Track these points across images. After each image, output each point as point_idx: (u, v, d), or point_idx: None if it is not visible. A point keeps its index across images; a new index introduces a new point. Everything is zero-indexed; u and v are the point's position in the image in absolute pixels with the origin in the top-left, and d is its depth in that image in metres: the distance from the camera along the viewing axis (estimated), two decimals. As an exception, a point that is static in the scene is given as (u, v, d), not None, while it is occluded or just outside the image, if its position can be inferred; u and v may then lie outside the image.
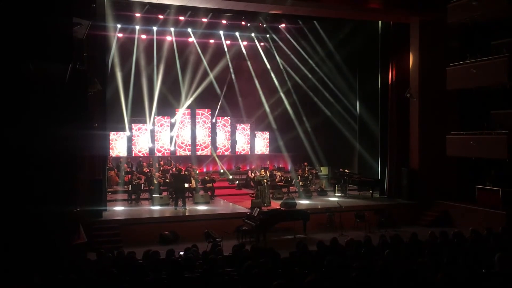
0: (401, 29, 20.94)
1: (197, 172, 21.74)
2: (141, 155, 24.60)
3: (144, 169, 21.53)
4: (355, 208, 18.65)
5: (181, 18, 23.40)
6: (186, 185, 19.12)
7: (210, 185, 20.57)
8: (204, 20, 23.88)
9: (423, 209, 19.51)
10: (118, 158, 23.24)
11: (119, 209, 18.11)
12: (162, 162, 22.86)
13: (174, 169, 21.57)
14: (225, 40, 25.90)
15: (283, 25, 25.48)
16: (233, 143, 27.09)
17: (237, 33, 25.68)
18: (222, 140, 26.88)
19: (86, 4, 15.07)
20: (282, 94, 26.23)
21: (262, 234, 15.64)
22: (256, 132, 27.53)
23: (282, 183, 21.67)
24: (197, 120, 26.34)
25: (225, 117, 26.80)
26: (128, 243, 14.00)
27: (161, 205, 18.50)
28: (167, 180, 19.98)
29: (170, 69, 24.89)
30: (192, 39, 25.20)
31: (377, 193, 21.53)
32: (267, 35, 26.31)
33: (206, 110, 26.53)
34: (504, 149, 16.76)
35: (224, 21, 24.47)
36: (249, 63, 26.39)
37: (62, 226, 10.28)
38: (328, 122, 25.69)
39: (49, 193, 9.56)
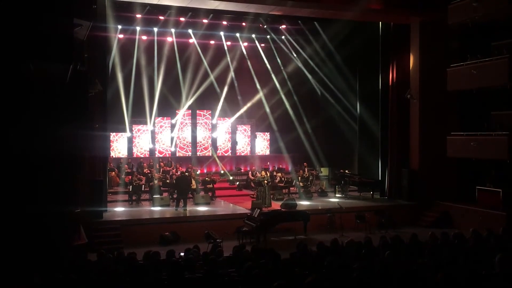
0: (402, 30, 20.95)
1: (198, 173, 21.76)
2: (142, 156, 24.61)
3: (145, 170, 21.54)
4: (355, 209, 18.66)
5: (182, 19, 23.41)
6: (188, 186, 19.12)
7: (211, 186, 20.58)
8: (205, 21, 23.89)
9: (423, 210, 19.51)
10: (118, 159, 23.26)
11: (119, 209, 18.11)
12: (162, 163, 22.88)
13: (174, 170, 21.59)
14: (226, 41, 25.90)
15: (283, 26, 25.50)
16: (234, 144, 27.09)
17: (237, 34, 25.69)
18: (223, 141, 26.87)
19: (87, 5, 15.08)
20: (282, 95, 26.23)
21: (262, 235, 15.65)
22: (256, 133, 27.54)
23: (282, 184, 21.68)
24: (197, 121, 26.35)
25: (226, 118, 26.80)
26: (128, 244, 14.00)
27: (161, 206, 18.50)
28: (168, 181, 19.98)
29: (171, 70, 24.89)
30: (192, 40, 25.21)
31: (378, 194, 21.52)
32: (268, 36, 26.30)
33: (206, 111, 26.55)
34: (505, 150, 16.76)
35: (224, 22, 24.48)
36: (249, 64, 26.40)
37: (62, 227, 10.28)
38: (328, 123, 25.70)
39: (50, 194, 9.56)
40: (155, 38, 24.49)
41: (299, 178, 22.22)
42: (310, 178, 22.84)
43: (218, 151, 26.49)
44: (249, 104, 26.39)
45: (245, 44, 26.43)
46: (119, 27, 23.08)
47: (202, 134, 26.45)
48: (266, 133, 27.63)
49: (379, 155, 22.07)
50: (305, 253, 8.85)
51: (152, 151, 25.24)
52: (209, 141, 26.54)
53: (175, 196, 18.92)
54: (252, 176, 21.85)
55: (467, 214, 18.12)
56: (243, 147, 27.31)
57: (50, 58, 9.17)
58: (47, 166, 9.47)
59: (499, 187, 17.59)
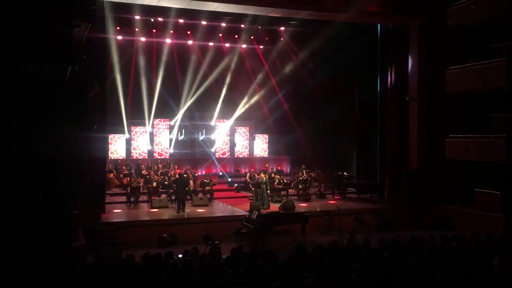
0: (400, 32, 20.97)
1: (196, 174, 21.76)
2: (140, 158, 24.59)
3: (143, 172, 21.52)
4: (354, 211, 18.63)
5: (180, 21, 23.44)
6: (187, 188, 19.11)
7: (209, 187, 20.57)
8: (204, 23, 23.91)
9: (422, 212, 19.47)
10: (117, 161, 23.24)
11: (118, 211, 18.09)
12: (161, 165, 22.86)
13: (172, 171, 21.58)
14: (224, 42, 25.92)
15: (282, 28, 25.53)
16: (232, 145, 27.09)
17: (236, 36, 25.70)
18: (221, 142, 26.88)
19: (86, 6, 15.01)
20: (281, 97, 26.24)
21: (261, 237, 15.63)
22: (255, 134, 27.54)
23: (281, 186, 21.68)
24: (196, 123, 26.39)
25: (224, 120, 26.79)
26: (127, 246, 13.98)
27: (160, 207, 18.47)
28: (166, 182, 19.96)
29: (169, 71, 24.91)
30: (191, 42, 25.23)
31: (376, 196, 21.51)
32: (266, 38, 26.32)
33: (205, 112, 26.55)
34: (503, 152, 16.78)
35: (223, 24, 24.51)
36: (248, 66, 26.41)
37: (60, 228, 10.26)
38: (327, 124, 25.68)
39: (48, 195, 9.55)
40: (154, 39, 24.50)
41: (298, 180, 22.21)
42: (308, 180, 22.83)
43: (216, 153, 26.46)
44: (247, 106, 26.39)
45: (244, 46, 26.44)
46: (118, 28, 23.07)
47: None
48: (264, 135, 27.63)
49: (378, 157, 22.08)
50: (304, 255, 8.84)
51: (150, 153, 25.22)
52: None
53: (173, 198, 18.90)
54: (249, 179, 21.85)
55: (466, 216, 18.10)
56: (241, 149, 27.29)
57: (49, 59, 9.17)
58: (46, 168, 9.46)
59: (497, 190, 17.60)
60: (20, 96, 9.12)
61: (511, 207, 16.88)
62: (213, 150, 26.27)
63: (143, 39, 24.40)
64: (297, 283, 6.05)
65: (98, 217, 16.27)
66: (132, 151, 24.86)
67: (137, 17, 22.67)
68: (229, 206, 19.64)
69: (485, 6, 17.61)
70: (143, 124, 24.91)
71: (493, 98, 18.70)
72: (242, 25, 24.64)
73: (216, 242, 13.79)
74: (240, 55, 26.36)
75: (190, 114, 26.08)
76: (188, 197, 19.50)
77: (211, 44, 25.80)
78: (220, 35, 25.51)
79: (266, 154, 27.50)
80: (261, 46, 26.65)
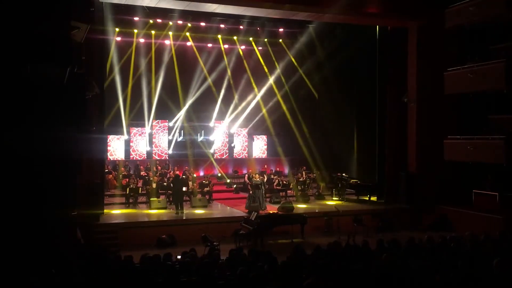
0: (399, 34, 20.99)
1: (194, 175, 21.75)
2: (139, 159, 24.58)
3: (142, 173, 21.50)
4: (352, 212, 18.63)
5: (180, 22, 23.47)
6: (184, 188, 19.10)
7: (208, 189, 20.56)
8: (203, 24, 23.94)
9: (420, 213, 19.51)
10: (115, 162, 23.22)
11: (116, 212, 18.08)
12: (159, 167, 22.82)
13: (171, 172, 21.57)
14: (223, 44, 25.94)
15: (281, 30, 25.56)
16: (231, 147, 27.08)
17: (235, 37, 25.71)
18: (220, 144, 26.87)
19: (85, 8, 15.07)
20: (280, 98, 26.26)
21: (259, 238, 15.62)
22: (254, 136, 27.53)
23: (279, 187, 21.68)
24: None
25: (223, 121, 26.79)
26: (125, 247, 13.98)
27: (158, 208, 18.47)
28: (165, 183, 19.96)
29: (168, 73, 24.92)
30: (190, 43, 25.24)
31: (375, 197, 21.51)
32: (265, 39, 26.35)
33: (204, 113, 26.54)
34: (501, 154, 16.79)
35: (222, 25, 24.55)
36: (247, 67, 26.42)
37: (59, 229, 10.25)
38: (326, 126, 25.70)
39: (47, 196, 9.54)
40: (153, 41, 24.52)
41: (297, 181, 22.22)
42: (307, 181, 22.84)
43: (215, 154, 26.45)
44: (246, 107, 26.40)
45: (243, 47, 26.46)
46: (117, 29, 23.09)
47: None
48: (263, 136, 27.62)
49: (376, 158, 22.08)
50: (302, 256, 8.85)
51: (149, 154, 25.21)
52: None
53: (171, 199, 18.90)
54: (248, 180, 21.86)
55: (464, 217, 18.12)
56: (240, 150, 27.27)
57: (48, 61, 9.17)
58: (44, 169, 9.45)
59: (496, 191, 17.62)
60: (19, 97, 9.12)
61: (510, 208, 16.91)
62: (212, 151, 26.26)
63: (142, 40, 24.41)
64: (295, 285, 6.05)
65: (97, 218, 16.26)
66: (131, 152, 24.84)
67: (136, 19, 22.71)
68: (228, 207, 19.64)
69: (484, 8, 17.63)
70: (142, 125, 24.90)
71: (492, 100, 18.75)
72: (241, 27, 24.68)
73: (215, 243, 13.80)
74: (239, 56, 26.37)
75: (189, 115, 26.06)
76: (187, 198, 19.50)
77: (210, 45, 25.83)
78: (219, 36, 25.52)
79: (265, 155, 27.49)
80: (260, 48, 26.65)
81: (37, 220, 9.26)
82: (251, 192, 18.96)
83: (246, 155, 27.17)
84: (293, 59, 26.31)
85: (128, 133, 24.60)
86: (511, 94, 17.22)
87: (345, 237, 14.84)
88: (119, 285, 6.85)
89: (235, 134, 27.13)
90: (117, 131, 23.81)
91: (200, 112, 26.41)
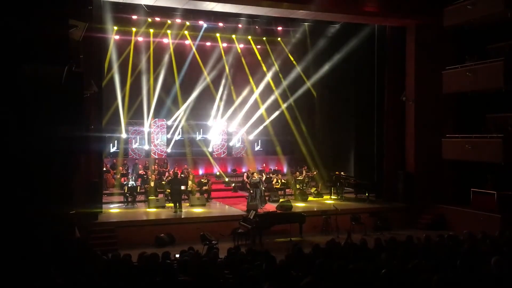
0: (398, 33, 21.00)
1: (193, 174, 21.74)
2: (137, 157, 24.55)
3: (140, 171, 21.50)
4: (351, 211, 18.65)
5: (178, 20, 23.44)
6: (183, 187, 19.10)
7: (206, 187, 20.57)
8: (201, 22, 23.91)
9: (418, 212, 19.54)
10: (114, 160, 23.19)
11: (115, 211, 18.08)
12: (156, 166, 22.78)
13: (171, 171, 21.57)
14: (222, 42, 25.92)
15: (279, 28, 25.55)
16: (229, 145, 27.05)
17: (233, 36, 25.69)
18: (218, 142, 26.85)
19: (83, 6, 15.07)
20: (278, 97, 26.25)
21: (258, 236, 15.64)
22: (252, 134, 27.49)
23: (278, 186, 21.69)
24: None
25: (222, 120, 26.75)
26: (124, 246, 13.99)
27: (157, 207, 18.47)
28: (163, 182, 19.96)
29: (167, 71, 24.86)
30: (188, 41, 25.22)
31: (373, 196, 21.52)
32: (264, 38, 26.34)
33: (202, 112, 26.52)
34: (499, 152, 16.82)
35: (221, 24, 24.53)
36: (245, 65, 26.40)
37: (57, 228, 10.24)
38: (324, 124, 25.71)
39: (45, 195, 9.52)
40: (151, 39, 24.47)
41: (295, 180, 22.24)
42: (305, 180, 22.86)
43: (213, 153, 26.43)
44: (245, 106, 26.39)
45: (241, 46, 26.43)
46: (115, 28, 23.05)
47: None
48: (262, 134, 27.59)
49: (375, 157, 22.10)
50: (300, 255, 8.84)
51: (147, 153, 25.18)
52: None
53: (169, 197, 18.90)
54: (247, 179, 21.87)
55: (462, 216, 18.16)
56: (238, 149, 27.25)
57: (45, 59, 9.14)
58: (42, 168, 9.43)
59: (494, 190, 17.65)
60: (16, 96, 9.09)
61: (508, 207, 16.93)
62: (210, 149, 26.24)
63: (140, 38, 24.37)
64: (293, 284, 6.05)
65: (95, 217, 16.26)
66: (130, 151, 24.81)
67: (135, 17, 22.68)
68: (226, 206, 19.66)
69: (482, 6, 17.64)
70: (141, 124, 24.87)
71: (489, 99, 18.75)
72: (240, 25, 24.66)
73: (213, 242, 13.81)
74: (238, 54, 26.34)
75: (187, 114, 26.01)
76: (185, 196, 19.50)
77: (208, 44, 25.80)
78: (218, 35, 25.50)
79: (263, 154, 27.48)
80: (258, 46, 26.64)
81: (35, 219, 9.24)
82: (251, 191, 18.99)
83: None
84: (291, 58, 26.29)
85: (127, 131, 24.55)
86: (509, 92, 17.25)
87: (344, 235, 14.86)
88: (116, 284, 6.84)
89: (233, 132, 27.10)
90: (116, 129, 23.77)
91: (198, 110, 26.35)
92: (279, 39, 26.39)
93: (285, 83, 26.32)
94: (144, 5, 19.83)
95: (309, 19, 21.82)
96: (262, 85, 26.33)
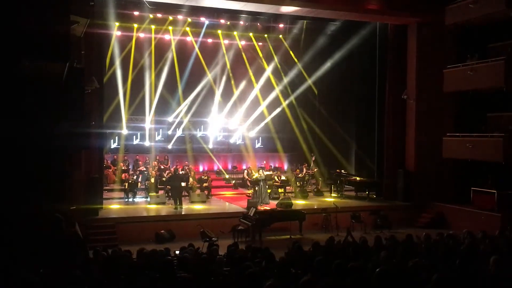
0: (399, 31, 20.97)
1: (194, 171, 21.77)
2: (138, 154, 24.53)
3: (141, 168, 21.51)
4: (351, 209, 18.66)
5: (180, 17, 23.43)
6: (183, 184, 19.12)
7: (207, 184, 20.59)
8: (203, 19, 23.88)
9: (418, 210, 19.56)
10: (114, 156, 23.20)
11: (115, 207, 18.11)
12: (156, 162, 22.78)
13: (173, 168, 21.59)
14: (224, 39, 25.90)
15: (281, 25, 25.53)
16: (230, 142, 27.06)
17: (235, 33, 25.68)
18: (218, 139, 26.85)
19: (84, 2, 15.07)
20: (279, 94, 26.25)
21: (258, 233, 15.66)
22: (253, 131, 27.49)
23: (278, 183, 21.72)
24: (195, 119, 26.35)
25: (223, 117, 26.74)
26: (124, 242, 14.01)
27: (157, 203, 18.50)
28: (163, 178, 19.98)
29: (168, 68, 24.86)
30: (190, 38, 25.20)
31: (374, 194, 21.53)
32: (265, 35, 26.33)
33: (203, 109, 26.52)
34: (500, 152, 16.82)
35: (222, 21, 24.51)
36: (246, 62, 26.38)
37: (57, 224, 10.25)
38: (325, 122, 25.70)
39: (45, 191, 9.55)
40: (153, 35, 24.44)
41: (295, 177, 22.25)
42: (306, 178, 22.87)
43: (214, 150, 26.43)
44: (246, 103, 26.39)
45: (243, 42, 26.41)
46: (117, 24, 23.03)
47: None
48: (262, 131, 27.58)
49: (375, 155, 22.11)
50: (300, 252, 8.86)
51: (148, 149, 25.18)
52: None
53: (170, 194, 18.93)
54: (247, 176, 21.91)
55: (462, 215, 18.16)
56: (239, 146, 27.22)
57: (47, 56, 9.15)
58: (43, 164, 9.45)
59: (494, 189, 17.65)
60: (17, 92, 9.11)
61: (508, 206, 16.94)
62: (210, 146, 26.25)
63: (142, 35, 24.36)
64: (293, 281, 6.06)
65: (96, 213, 16.29)
66: (130, 147, 24.80)
67: (136, 13, 22.67)
68: (227, 203, 19.68)
69: (484, 5, 17.61)
70: (142, 120, 24.87)
71: (490, 98, 18.74)
72: (241, 22, 24.64)
73: (213, 238, 13.84)
74: (239, 51, 26.32)
75: (188, 110, 26.01)
76: (186, 193, 19.53)
77: (210, 40, 25.79)
78: (219, 31, 25.49)
79: (264, 151, 27.47)
80: (260, 43, 26.62)
81: (35, 215, 9.26)
82: (256, 188, 19.06)
83: (246, 150, 26.94)
84: (292, 55, 26.28)
85: (128, 127, 24.54)
86: (510, 92, 17.24)
87: (343, 233, 14.88)
88: (116, 280, 6.86)
89: (234, 129, 27.10)
90: (116, 125, 23.78)
91: (199, 107, 26.34)
92: (280, 36, 26.38)
93: (286, 80, 26.33)
94: (146, 1, 19.83)
95: (310, 16, 21.75)
96: (263, 82, 26.32)
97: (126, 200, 19.17)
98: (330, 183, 22.72)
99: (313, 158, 24.46)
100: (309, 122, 26.19)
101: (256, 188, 19.23)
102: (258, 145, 27.69)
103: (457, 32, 19.74)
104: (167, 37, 24.82)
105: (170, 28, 24.38)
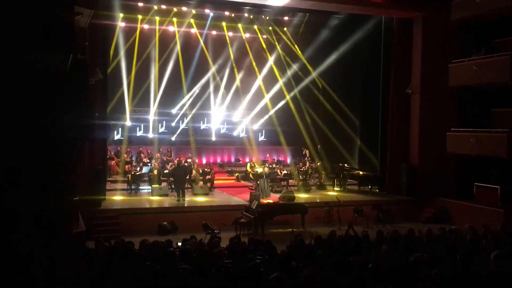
0: (404, 25, 20.86)
1: (197, 163, 21.81)
2: (141, 145, 24.56)
3: (144, 159, 21.55)
4: (353, 203, 18.65)
5: (184, 8, 23.38)
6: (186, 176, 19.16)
7: (209, 176, 20.62)
8: (207, 11, 23.82)
9: (421, 205, 19.54)
10: (118, 148, 23.25)
11: (118, 198, 18.17)
12: (159, 154, 22.80)
13: (176, 160, 21.62)
14: (228, 31, 25.84)
15: (285, 18, 25.45)
16: (233, 135, 27.05)
17: (239, 25, 25.61)
18: (222, 132, 26.86)
19: (89, -7, 15.03)
20: (283, 87, 26.20)
21: (260, 226, 15.69)
22: (256, 124, 27.47)
23: (281, 177, 21.73)
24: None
25: (227, 109, 26.72)
26: (127, 233, 14.07)
27: (160, 195, 18.54)
28: (166, 170, 20.01)
29: (172, 59, 24.84)
30: (194, 30, 25.16)
31: (376, 188, 21.53)
32: (270, 28, 26.26)
33: (207, 101, 26.51)
34: (504, 147, 16.78)
35: (227, 13, 24.44)
36: (251, 55, 26.33)
37: (61, 215, 10.29)
38: (329, 116, 25.65)
39: (49, 182, 9.57)
40: (157, 27, 24.41)
41: (298, 170, 22.26)
42: (309, 171, 22.88)
43: (218, 142, 26.44)
44: (249, 95, 26.37)
45: (247, 35, 26.35)
46: (121, 15, 23.00)
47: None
48: (266, 124, 27.56)
49: (379, 150, 22.08)
50: (302, 246, 8.88)
51: (151, 141, 25.20)
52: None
53: (173, 186, 18.97)
54: (250, 169, 21.93)
55: (465, 210, 18.15)
56: (242, 138, 27.22)
57: (51, 47, 9.14)
58: (46, 155, 9.47)
59: (497, 184, 17.62)
60: (21, 84, 9.11)
61: (511, 202, 16.91)
62: (214, 139, 26.26)
63: (146, 26, 24.32)
64: (294, 274, 6.08)
65: (99, 204, 16.35)
66: (134, 138, 24.82)
67: (141, 4, 22.62)
68: (229, 196, 19.70)
69: (490, 1, 17.52)
70: (145, 112, 24.89)
71: (495, 93, 18.66)
72: (246, 14, 24.58)
73: (215, 231, 13.87)
74: (243, 44, 26.25)
75: (192, 103, 26.00)
76: (188, 185, 19.57)
77: (214, 33, 25.74)
78: (224, 24, 25.43)
79: (267, 144, 27.47)
80: (264, 36, 26.55)
81: (38, 206, 9.29)
82: (258, 182, 19.09)
83: (249, 143, 26.96)
84: (297, 48, 26.21)
85: (131, 119, 24.56)
86: (515, 87, 17.17)
87: (345, 227, 14.88)
88: (118, 271, 6.89)
89: (237, 122, 27.10)
90: (120, 117, 23.82)
91: (203, 99, 26.32)
92: (285, 29, 26.31)
93: (290, 73, 26.27)
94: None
95: (315, 9, 21.65)
96: (267, 75, 26.28)
97: (129, 191, 19.23)
98: (333, 177, 22.72)
99: (318, 147, 24.48)
100: (313, 116, 26.15)
101: (259, 182, 19.26)
102: (261, 138, 27.68)
103: (463, 27, 19.63)
104: (171, 28, 24.78)
105: (175, 19, 24.34)
